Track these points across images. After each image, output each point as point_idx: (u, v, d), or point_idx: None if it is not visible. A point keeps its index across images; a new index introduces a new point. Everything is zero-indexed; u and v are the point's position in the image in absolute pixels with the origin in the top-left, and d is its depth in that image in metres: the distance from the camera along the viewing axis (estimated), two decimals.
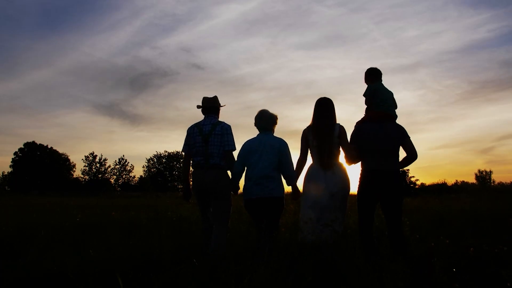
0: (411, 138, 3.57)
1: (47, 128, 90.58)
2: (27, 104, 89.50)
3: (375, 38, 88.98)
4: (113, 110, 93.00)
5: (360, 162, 3.66)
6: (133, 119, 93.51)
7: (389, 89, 3.85)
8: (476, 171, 49.18)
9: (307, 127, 3.80)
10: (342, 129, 3.70)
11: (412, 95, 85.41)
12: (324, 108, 3.77)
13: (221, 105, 4.12)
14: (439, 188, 37.90)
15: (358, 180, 3.65)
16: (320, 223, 3.47)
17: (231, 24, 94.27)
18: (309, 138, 3.74)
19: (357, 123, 3.82)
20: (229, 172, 3.96)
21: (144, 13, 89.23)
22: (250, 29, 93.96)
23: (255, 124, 3.94)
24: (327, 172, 3.62)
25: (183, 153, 4.06)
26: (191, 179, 4.04)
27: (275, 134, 3.97)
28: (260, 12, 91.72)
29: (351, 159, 3.64)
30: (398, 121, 3.76)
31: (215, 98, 4.08)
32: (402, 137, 3.57)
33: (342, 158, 3.75)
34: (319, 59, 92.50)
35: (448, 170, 76.39)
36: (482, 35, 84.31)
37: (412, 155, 3.59)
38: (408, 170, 49.55)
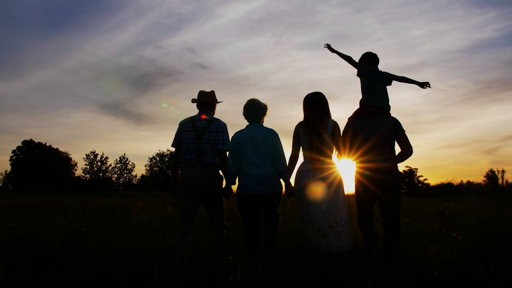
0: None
1: (52, 127, 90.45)
2: (31, 104, 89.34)
3: (379, 38, 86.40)
4: (117, 110, 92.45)
5: (354, 160, 3.50)
6: (137, 119, 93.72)
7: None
8: (488, 170, 47.07)
9: (299, 123, 3.65)
10: (335, 125, 3.51)
11: (416, 95, 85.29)
12: (314, 102, 3.57)
13: (218, 101, 3.91)
14: (446, 188, 36.30)
15: (354, 179, 3.53)
16: (317, 229, 3.24)
17: (235, 24, 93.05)
18: (300, 134, 3.58)
19: (349, 118, 3.69)
20: (220, 172, 3.74)
21: (148, 12, 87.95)
22: (254, 29, 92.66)
23: (244, 114, 3.68)
24: (318, 172, 3.40)
25: (174, 148, 3.76)
26: (179, 178, 3.66)
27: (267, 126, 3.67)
28: (264, 11, 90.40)
29: (343, 156, 3.49)
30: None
31: (212, 93, 3.86)
32: (395, 131, 3.40)
33: (335, 156, 3.54)
34: (324, 59, 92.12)
35: (453, 170, 75.18)
36: (488, 35, 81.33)
37: (406, 150, 3.39)
38: (416, 169, 48.24)
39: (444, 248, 3.41)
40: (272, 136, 3.55)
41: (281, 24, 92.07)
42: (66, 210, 8.29)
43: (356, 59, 3.80)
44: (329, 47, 3.78)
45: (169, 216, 6.81)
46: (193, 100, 3.84)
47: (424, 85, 3.68)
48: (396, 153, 3.45)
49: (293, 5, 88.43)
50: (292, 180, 3.63)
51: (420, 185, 46.64)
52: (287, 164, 3.61)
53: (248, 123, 3.67)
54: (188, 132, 3.63)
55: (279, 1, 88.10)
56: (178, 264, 3.10)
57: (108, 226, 5.20)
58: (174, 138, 3.74)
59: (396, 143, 3.45)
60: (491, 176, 46.68)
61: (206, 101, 3.78)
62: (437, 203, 12.76)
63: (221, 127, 3.66)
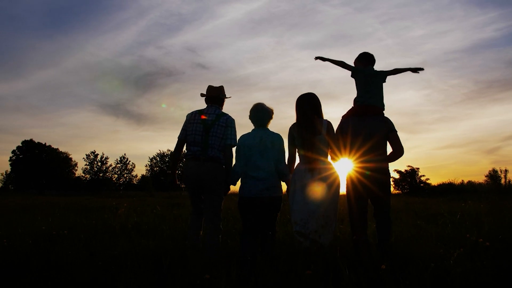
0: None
1: (52, 127, 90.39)
2: (32, 104, 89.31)
3: (380, 38, 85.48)
4: (118, 110, 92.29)
5: (346, 160, 3.52)
6: (138, 119, 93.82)
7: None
8: (490, 170, 46.57)
9: (292, 124, 3.61)
10: (330, 125, 3.49)
11: (417, 94, 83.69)
12: (307, 103, 3.53)
13: (227, 96, 3.89)
14: (447, 188, 35.85)
15: (346, 179, 3.54)
16: (307, 228, 3.22)
17: (236, 24, 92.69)
18: (295, 135, 3.54)
19: (342, 116, 3.72)
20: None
21: (149, 12, 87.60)
22: (255, 29, 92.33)
23: (250, 118, 3.69)
24: (314, 173, 3.36)
25: (178, 139, 3.69)
26: (183, 171, 3.69)
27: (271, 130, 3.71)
28: (265, 11, 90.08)
29: (337, 155, 3.47)
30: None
31: (221, 88, 3.84)
32: (387, 131, 3.44)
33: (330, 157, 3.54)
34: None
35: (453, 170, 74.71)
36: (489, 35, 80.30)
37: (397, 150, 3.45)
38: (418, 169, 47.81)
39: (464, 254, 2.98)
40: (280, 141, 3.61)
41: (282, 24, 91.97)
42: (54, 211, 7.84)
43: None
44: (320, 58, 3.83)
45: (160, 217, 6.40)
46: (202, 95, 3.81)
47: (417, 70, 3.75)
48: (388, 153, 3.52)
49: (294, 5, 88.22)
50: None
51: (422, 185, 46.19)
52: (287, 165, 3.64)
53: (254, 127, 3.69)
54: (195, 124, 3.57)
55: (280, 1, 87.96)
56: (190, 242, 3.46)
57: (91, 229, 4.77)
58: (181, 129, 3.68)
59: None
60: (494, 175, 46.11)
61: (216, 96, 3.75)
62: (441, 203, 12.28)
63: (230, 122, 3.63)
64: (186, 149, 3.65)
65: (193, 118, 3.64)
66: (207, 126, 3.54)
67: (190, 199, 3.69)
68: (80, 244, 3.71)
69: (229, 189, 3.68)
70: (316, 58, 3.83)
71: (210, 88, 3.78)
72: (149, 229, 5.03)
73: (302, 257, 2.72)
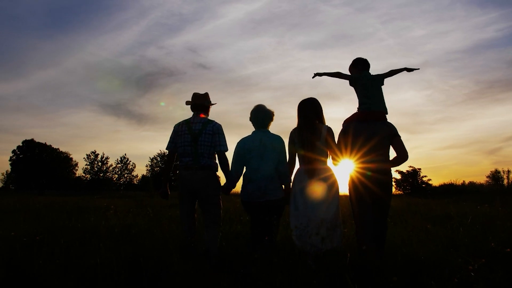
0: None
1: (53, 127, 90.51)
2: (33, 104, 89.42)
3: (381, 38, 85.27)
4: (119, 110, 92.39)
5: (354, 161, 3.44)
6: (139, 119, 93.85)
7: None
8: (493, 171, 46.22)
9: (293, 128, 3.62)
10: (330, 131, 3.49)
11: (418, 95, 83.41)
12: (308, 108, 3.54)
13: (212, 103, 3.89)
14: (448, 189, 35.61)
15: (348, 183, 3.52)
16: (307, 232, 3.15)
17: (237, 24, 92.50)
18: (295, 139, 3.54)
19: (344, 121, 3.68)
20: (220, 174, 3.80)
21: (150, 13, 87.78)
22: (256, 29, 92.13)
23: (251, 119, 3.70)
24: (314, 174, 3.37)
25: (168, 151, 3.80)
26: (178, 179, 3.75)
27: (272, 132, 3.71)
28: (266, 11, 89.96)
29: (338, 160, 3.46)
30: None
31: (206, 95, 3.86)
32: (391, 136, 3.43)
33: (330, 162, 3.53)
34: (326, 59, 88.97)
35: (455, 170, 74.40)
36: (490, 35, 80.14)
37: (401, 155, 3.42)
38: (419, 169, 47.46)
39: (485, 264, 2.66)
40: (281, 143, 3.60)
41: (283, 24, 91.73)
42: (43, 213, 7.51)
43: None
44: (317, 74, 3.86)
45: (153, 219, 6.08)
46: (187, 103, 3.82)
47: (412, 69, 3.74)
48: (391, 158, 3.48)
49: (295, 5, 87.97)
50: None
51: (423, 185, 45.83)
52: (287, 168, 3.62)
53: (254, 129, 3.69)
54: (184, 135, 3.60)
55: (281, 1, 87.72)
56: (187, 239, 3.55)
57: (75, 232, 4.44)
58: (169, 141, 3.73)
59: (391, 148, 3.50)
60: (496, 176, 45.72)
61: (201, 103, 3.75)
62: (447, 204, 11.91)
63: (217, 128, 3.64)
64: (178, 160, 3.70)
65: (180, 129, 3.67)
66: (194, 136, 3.57)
67: (183, 211, 3.69)
68: (58, 250, 3.39)
69: (230, 189, 3.67)
70: (314, 76, 3.85)
71: (195, 95, 3.79)
72: (139, 232, 4.73)
73: (303, 268, 2.41)
